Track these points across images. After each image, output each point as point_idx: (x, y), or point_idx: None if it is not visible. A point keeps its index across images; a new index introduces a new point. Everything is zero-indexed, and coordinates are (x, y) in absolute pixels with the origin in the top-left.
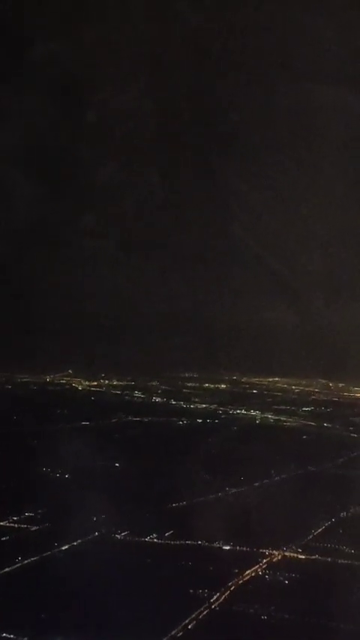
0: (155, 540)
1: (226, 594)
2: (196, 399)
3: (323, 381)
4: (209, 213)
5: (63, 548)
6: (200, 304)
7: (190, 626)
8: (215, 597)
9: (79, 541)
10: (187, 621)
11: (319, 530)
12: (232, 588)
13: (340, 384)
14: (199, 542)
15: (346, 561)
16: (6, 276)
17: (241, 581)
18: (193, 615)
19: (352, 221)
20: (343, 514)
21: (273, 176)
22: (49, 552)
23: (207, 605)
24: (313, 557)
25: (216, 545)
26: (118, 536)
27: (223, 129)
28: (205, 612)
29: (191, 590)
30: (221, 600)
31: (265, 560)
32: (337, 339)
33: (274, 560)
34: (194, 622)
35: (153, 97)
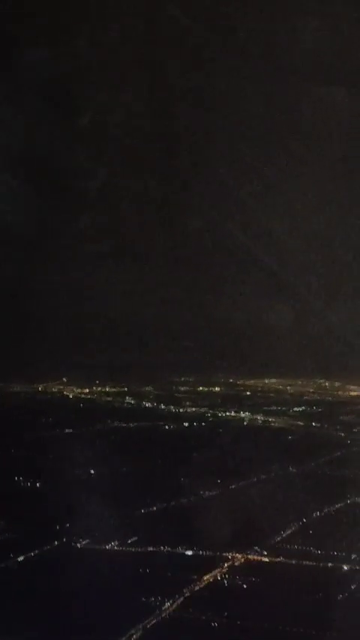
0: (116, 548)
1: (180, 601)
2: (188, 403)
3: (320, 381)
4: (206, 215)
5: (19, 559)
6: (198, 307)
7: (135, 636)
8: (167, 605)
9: (35, 551)
10: (132, 631)
11: (288, 532)
12: (186, 595)
13: (337, 384)
14: (162, 548)
15: (311, 563)
16: (1, 283)
17: (197, 587)
18: (141, 625)
19: (351, 221)
20: (315, 514)
21: (272, 178)
22: (3, 565)
23: (157, 613)
24: (277, 559)
25: (178, 550)
26: (78, 544)
27: (220, 131)
28: (153, 621)
29: (143, 599)
30: (173, 608)
31: (226, 565)
32: (336, 338)
33: (236, 563)
34: (140, 631)
35: (148, 100)
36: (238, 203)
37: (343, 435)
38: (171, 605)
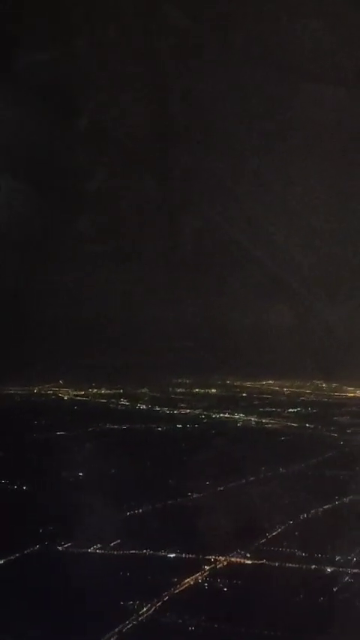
0: (98, 551)
1: (158, 605)
2: (182, 405)
3: (317, 382)
4: (206, 216)
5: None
6: (197, 308)
7: None
8: (145, 609)
9: (16, 555)
10: (108, 635)
11: (274, 534)
12: (165, 598)
13: (334, 385)
14: (145, 551)
15: (295, 565)
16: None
17: (176, 591)
18: (117, 629)
19: (352, 221)
20: (303, 516)
21: (272, 178)
22: None
23: (134, 617)
24: (261, 561)
25: (161, 553)
26: (60, 548)
27: (220, 132)
28: (129, 625)
29: (121, 602)
30: (151, 612)
31: (208, 567)
32: (335, 339)
33: (219, 566)
34: (116, 636)
35: (147, 100)
36: (238, 203)
37: (336, 435)
38: (149, 608)
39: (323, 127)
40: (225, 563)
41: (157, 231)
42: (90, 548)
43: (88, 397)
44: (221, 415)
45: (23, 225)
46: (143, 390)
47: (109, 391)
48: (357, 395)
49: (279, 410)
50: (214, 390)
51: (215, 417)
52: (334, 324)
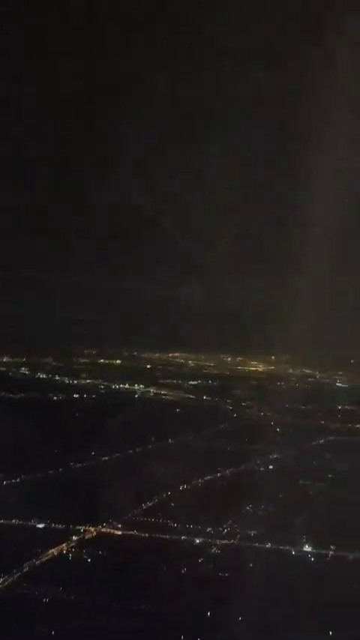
0: None
1: (16, 576)
2: (84, 375)
3: (222, 356)
4: (120, 193)
5: None
6: (107, 281)
7: None
8: (1, 580)
9: None
10: None
11: (150, 505)
12: (25, 569)
13: (239, 359)
14: (14, 521)
15: (165, 536)
16: None
17: (38, 562)
18: None
19: (266, 202)
20: (182, 487)
21: (188, 156)
22: None
23: None
24: (131, 532)
25: (30, 523)
26: None
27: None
28: None
29: None
30: (7, 583)
31: (76, 538)
32: (241, 315)
33: (87, 537)
34: None
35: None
36: (155, 182)
37: (231, 408)
38: (5, 579)
39: (242, 106)
40: (94, 533)
41: (70, 206)
42: None
43: None
44: (121, 386)
45: None
46: (46, 360)
47: (10, 359)
48: (258, 369)
49: (180, 382)
50: (118, 361)
51: (114, 387)
52: (243, 302)
